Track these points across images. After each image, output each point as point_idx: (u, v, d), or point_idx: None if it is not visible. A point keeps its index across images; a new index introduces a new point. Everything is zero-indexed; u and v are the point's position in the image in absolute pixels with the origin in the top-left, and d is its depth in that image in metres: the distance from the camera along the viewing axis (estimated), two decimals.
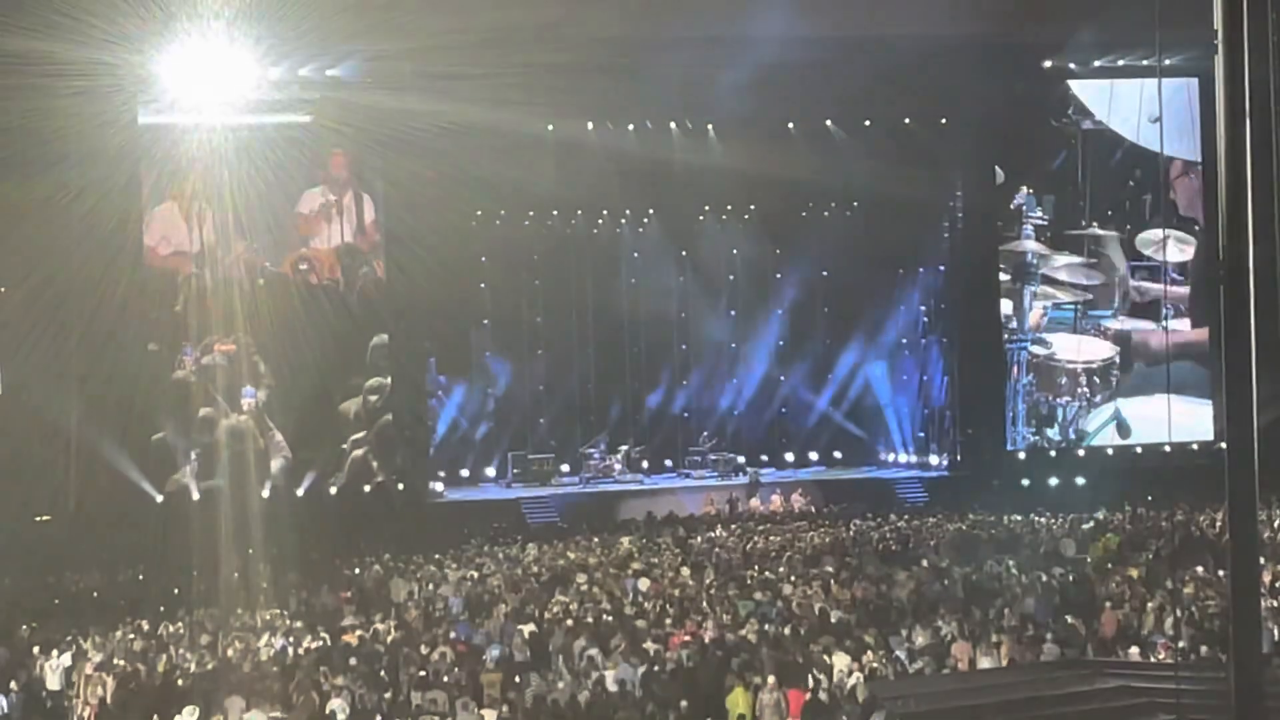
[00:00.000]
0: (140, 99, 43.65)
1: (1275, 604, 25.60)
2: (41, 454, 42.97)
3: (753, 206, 52.75)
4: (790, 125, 49.38)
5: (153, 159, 44.40)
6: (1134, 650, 23.50)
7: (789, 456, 52.98)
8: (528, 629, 26.87)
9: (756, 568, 33.00)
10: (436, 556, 36.52)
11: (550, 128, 47.64)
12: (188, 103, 43.64)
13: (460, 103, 44.59)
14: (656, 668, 23.42)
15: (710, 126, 49.08)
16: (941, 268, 50.86)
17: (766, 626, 26.21)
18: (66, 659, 25.61)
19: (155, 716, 22.02)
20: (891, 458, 52.50)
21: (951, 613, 26.60)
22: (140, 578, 35.20)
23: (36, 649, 26.57)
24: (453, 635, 26.87)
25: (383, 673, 23.88)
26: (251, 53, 42.98)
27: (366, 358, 45.63)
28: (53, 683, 25.07)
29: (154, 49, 41.75)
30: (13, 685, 24.55)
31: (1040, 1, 46.58)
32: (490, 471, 50.83)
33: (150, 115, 44.15)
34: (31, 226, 42.64)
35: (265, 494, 44.12)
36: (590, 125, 48.10)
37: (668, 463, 51.95)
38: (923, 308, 51.75)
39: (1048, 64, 48.90)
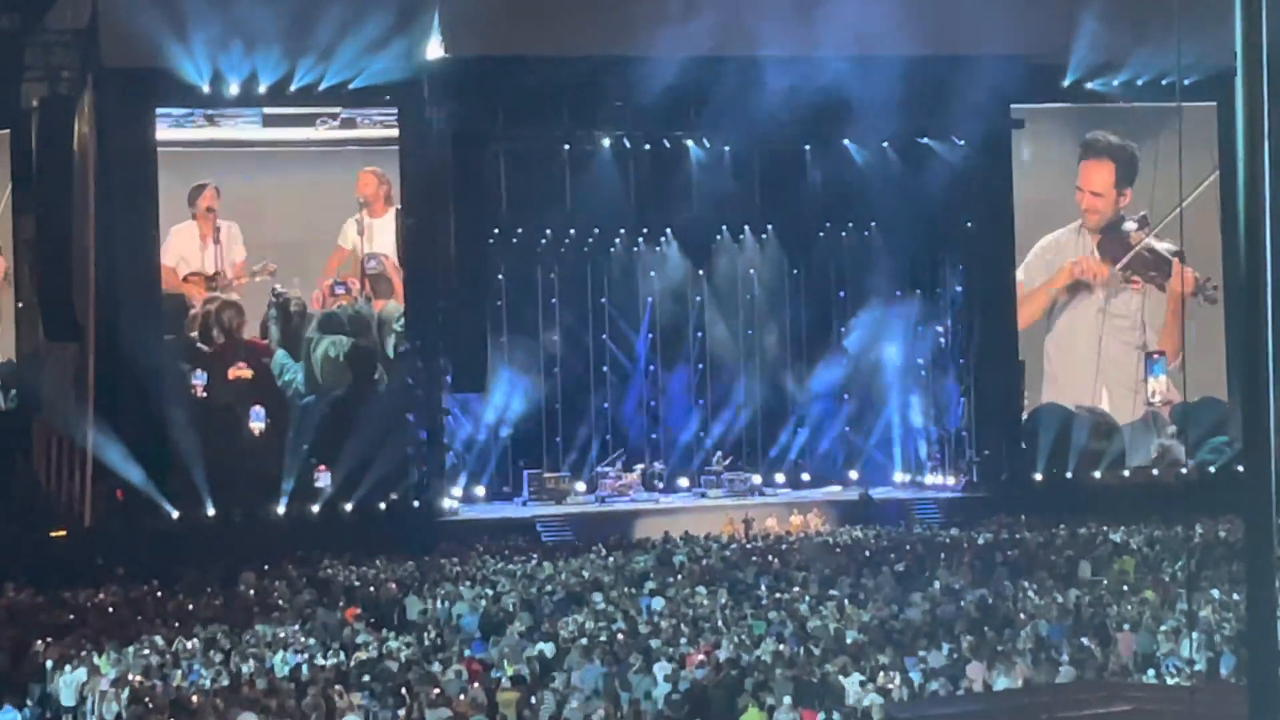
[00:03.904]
0: (160, 113, 43.88)
1: None
2: (58, 469, 43.07)
3: (770, 226, 52.72)
4: (807, 145, 49.39)
5: (172, 176, 44.49)
6: (1150, 673, 23.43)
7: (805, 476, 52.90)
8: (543, 648, 26.85)
9: (769, 588, 32.95)
10: (451, 574, 36.50)
11: (567, 146, 47.75)
12: (208, 117, 43.88)
13: (479, 119, 44.78)
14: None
15: (727, 146, 49.11)
16: (959, 289, 50.78)
17: (781, 647, 26.16)
18: (81, 675, 25.60)
19: None
20: (907, 478, 52.38)
21: (966, 634, 26.54)
22: (157, 594, 35.20)
23: (51, 664, 26.58)
24: (467, 653, 26.86)
25: (401, 690, 23.85)
26: (273, 66, 43.25)
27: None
28: (67, 698, 25.05)
29: (174, 59, 42.01)
30: (28, 701, 24.58)
31: (1059, 21, 46.63)
32: (505, 489, 50.78)
33: (169, 130, 44.34)
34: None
35: (280, 510, 44.15)
36: (607, 143, 48.18)
37: (683, 481, 51.88)
38: (939, 328, 51.66)
39: (1065, 83, 48.82)
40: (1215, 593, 29.26)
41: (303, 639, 28.61)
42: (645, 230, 52.21)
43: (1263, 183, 8.81)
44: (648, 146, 48.64)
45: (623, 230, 51.89)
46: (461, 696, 23.16)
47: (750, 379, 54.14)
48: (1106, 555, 36.72)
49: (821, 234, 52.93)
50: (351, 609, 32.35)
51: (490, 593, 33.25)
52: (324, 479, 44.91)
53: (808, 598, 31.19)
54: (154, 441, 43.28)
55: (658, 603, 31.26)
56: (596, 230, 51.48)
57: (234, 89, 43.89)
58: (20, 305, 43.38)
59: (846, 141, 49.35)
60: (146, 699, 24.01)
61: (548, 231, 50.93)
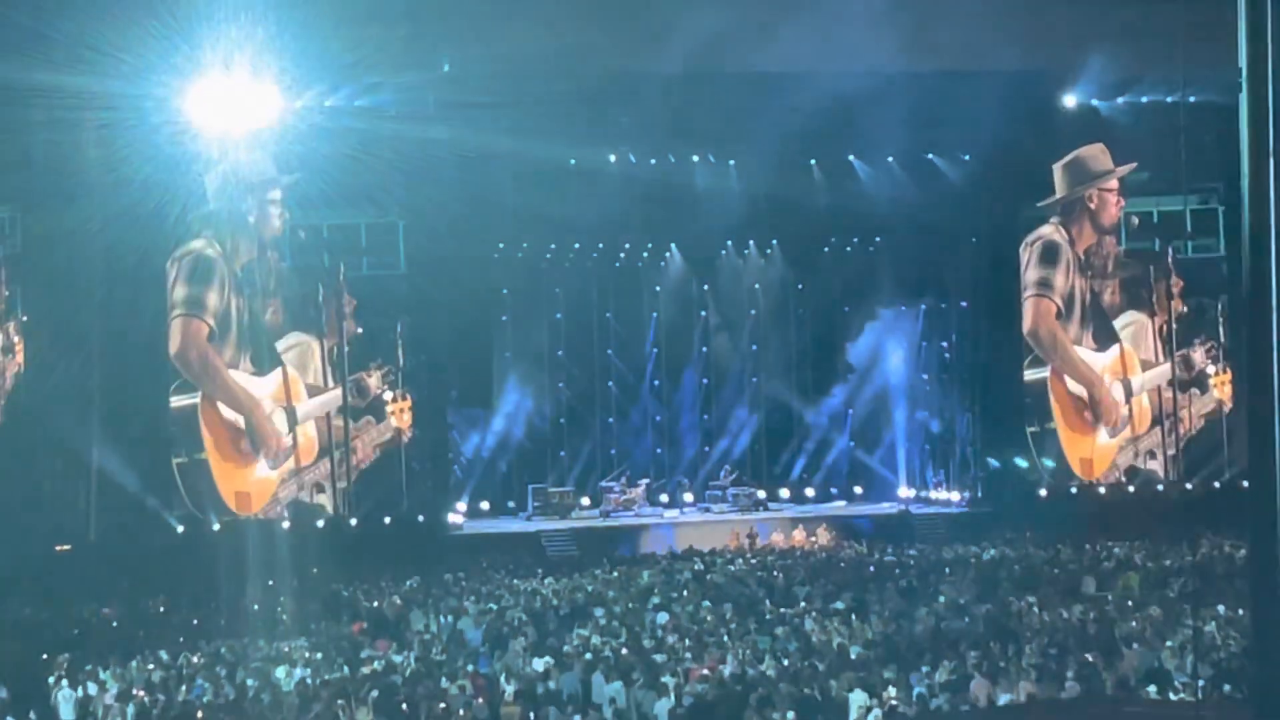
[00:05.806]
0: (165, 132, 43.77)
1: None
2: (63, 484, 43.04)
3: (775, 240, 52.80)
4: (813, 159, 49.39)
5: (177, 192, 44.33)
6: (1154, 689, 23.39)
7: (809, 491, 52.89)
8: (547, 662, 26.83)
9: (773, 602, 32.93)
10: (456, 589, 36.50)
11: (573, 160, 47.75)
12: (212, 135, 43.74)
13: (483, 134, 44.73)
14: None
15: (733, 160, 49.12)
16: (964, 303, 50.80)
17: (785, 662, 26.13)
18: (86, 689, 25.58)
19: None
20: (912, 494, 52.35)
21: (971, 649, 26.51)
22: (161, 609, 35.18)
23: (54, 679, 26.56)
24: (471, 668, 26.84)
25: (403, 705, 23.83)
26: (277, 84, 43.14)
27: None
28: (69, 713, 25.02)
29: (179, 82, 41.89)
30: (31, 715, 24.55)
31: (1064, 36, 46.62)
32: (510, 504, 50.79)
33: (175, 148, 44.23)
34: (56, 258, 42.83)
35: (285, 525, 44.12)
36: (613, 158, 48.19)
37: (688, 496, 51.89)
38: (944, 343, 51.69)
39: (1071, 99, 48.80)
40: (1221, 608, 29.22)
41: (308, 653, 28.59)
42: (650, 245, 52.29)
43: (1268, 197, 8.82)
44: (653, 161, 48.65)
45: (628, 245, 51.96)
46: (462, 712, 23.15)
47: (755, 393, 54.18)
48: (1111, 571, 36.69)
49: (826, 249, 53.00)
50: (356, 623, 32.35)
51: (495, 607, 33.25)
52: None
53: (812, 612, 31.17)
54: (165, 454, 43.26)
55: (662, 617, 31.24)
56: (601, 245, 51.54)
57: (243, 106, 43.75)
58: (25, 319, 43.37)
59: (852, 157, 49.37)
60: (153, 714, 24.01)
61: (552, 246, 50.98)
